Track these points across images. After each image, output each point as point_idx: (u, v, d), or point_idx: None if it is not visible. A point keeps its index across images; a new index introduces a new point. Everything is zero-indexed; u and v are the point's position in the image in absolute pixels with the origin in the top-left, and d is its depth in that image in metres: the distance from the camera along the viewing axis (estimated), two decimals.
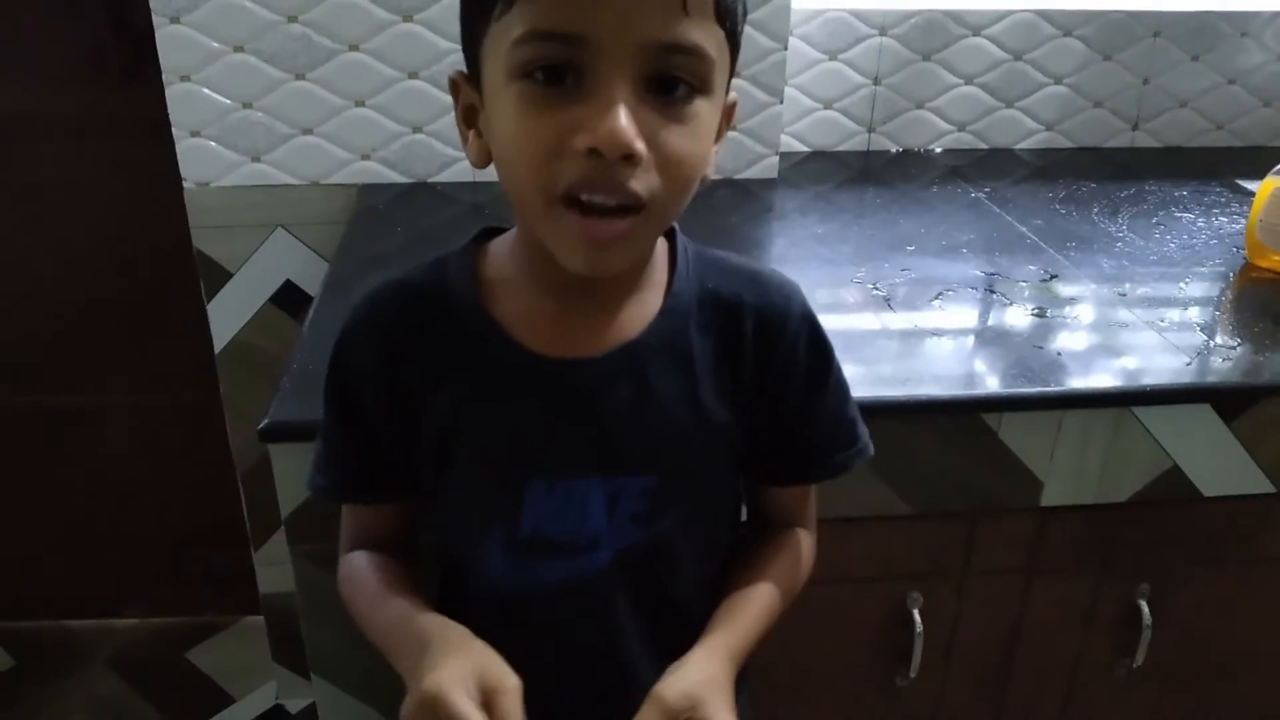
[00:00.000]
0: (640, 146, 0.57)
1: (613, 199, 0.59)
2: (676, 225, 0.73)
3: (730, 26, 0.61)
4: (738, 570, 0.77)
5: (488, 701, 0.60)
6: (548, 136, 0.58)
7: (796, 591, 0.79)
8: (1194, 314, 1.14)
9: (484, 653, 0.63)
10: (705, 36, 0.58)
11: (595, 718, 0.76)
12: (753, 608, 0.74)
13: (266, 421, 0.89)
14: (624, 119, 0.56)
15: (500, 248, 0.72)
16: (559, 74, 0.57)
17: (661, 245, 0.72)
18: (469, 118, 0.66)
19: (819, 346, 0.74)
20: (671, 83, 0.58)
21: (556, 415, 0.69)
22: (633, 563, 0.72)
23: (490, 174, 1.54)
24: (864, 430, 0.79)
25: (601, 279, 0.65)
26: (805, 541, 0.81)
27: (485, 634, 0.72)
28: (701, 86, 0.60)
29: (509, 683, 0.61)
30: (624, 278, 0.69)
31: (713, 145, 0.64)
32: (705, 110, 0.61)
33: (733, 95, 0.67)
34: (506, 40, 0.58)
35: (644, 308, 0.70)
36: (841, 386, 0.77)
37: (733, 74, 0.65)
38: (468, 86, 0.65)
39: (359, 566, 0.77)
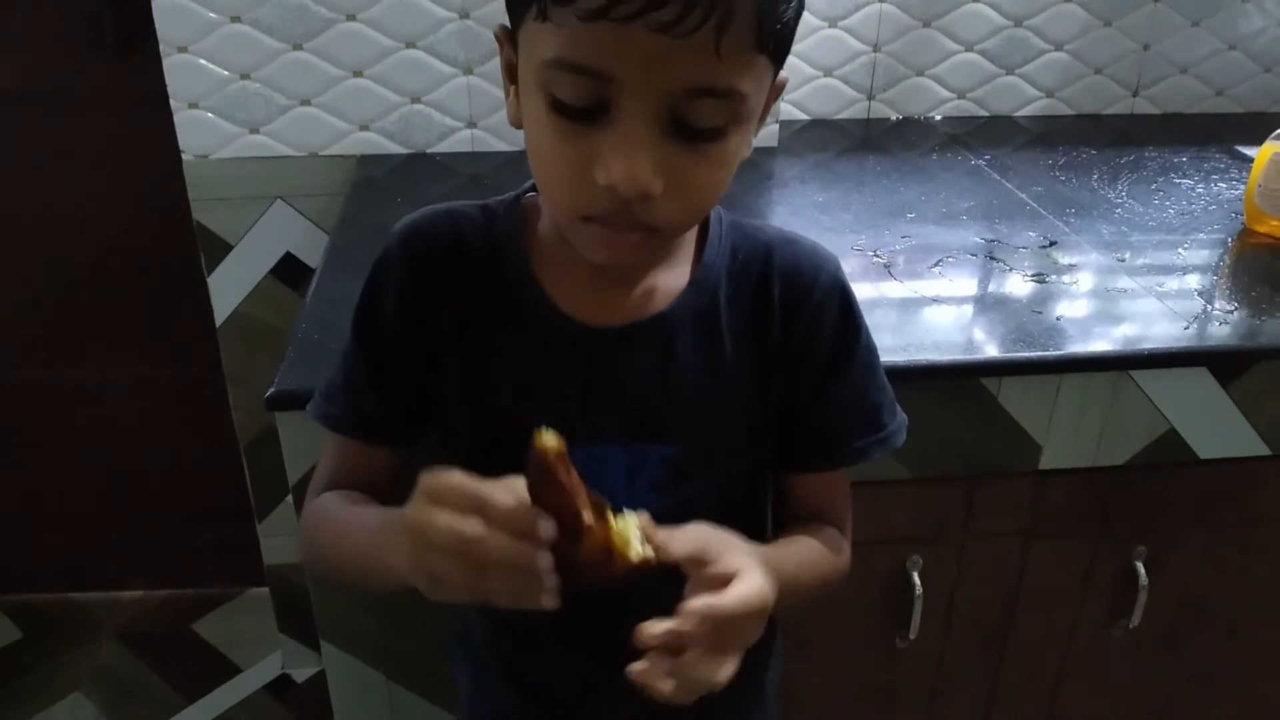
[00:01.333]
0: (657, 188, 0.57)
1: (629, 229, 0.60)
2: None
3: (775, 47, 0.59)
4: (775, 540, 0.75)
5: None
6: (571, 164, 0.58)
7: (829, 580, 0.76)
8: (1192, 279, 1.15)
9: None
10: (739, 74, 0.57)
11: (606, 680, 0.77)
12: (792, 552, 0.72)
13: (273, 390, 0.89)
14: (641, 160, 0.56)
15: (545, 207, 0.72)
16: (584, 104, 0.57)
17: None
18: (511, 73, 0.65)
19: (848, 319, 0.73)
20: (699, 124, 0.58)
21: (582, 379, 0.70)
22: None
23: (489, 144, 1.54)
24: (891, 419, 0.76)
25: None
26: (843, 544, 0.79)
27: None
28: (731, 123, 0.59)
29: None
30: None
31: (736, 166, 0.63)
32: (734, 138, 0.60)
33: (782, 76, 0.65)
34: (538, 53, 0.58)
35: (675, 279, 0.71)
36: (869, 367, 0.75)
37: (780, 69, 0.63)
38: (509, 45, 0.64)
39: (329, 503, 0.73)
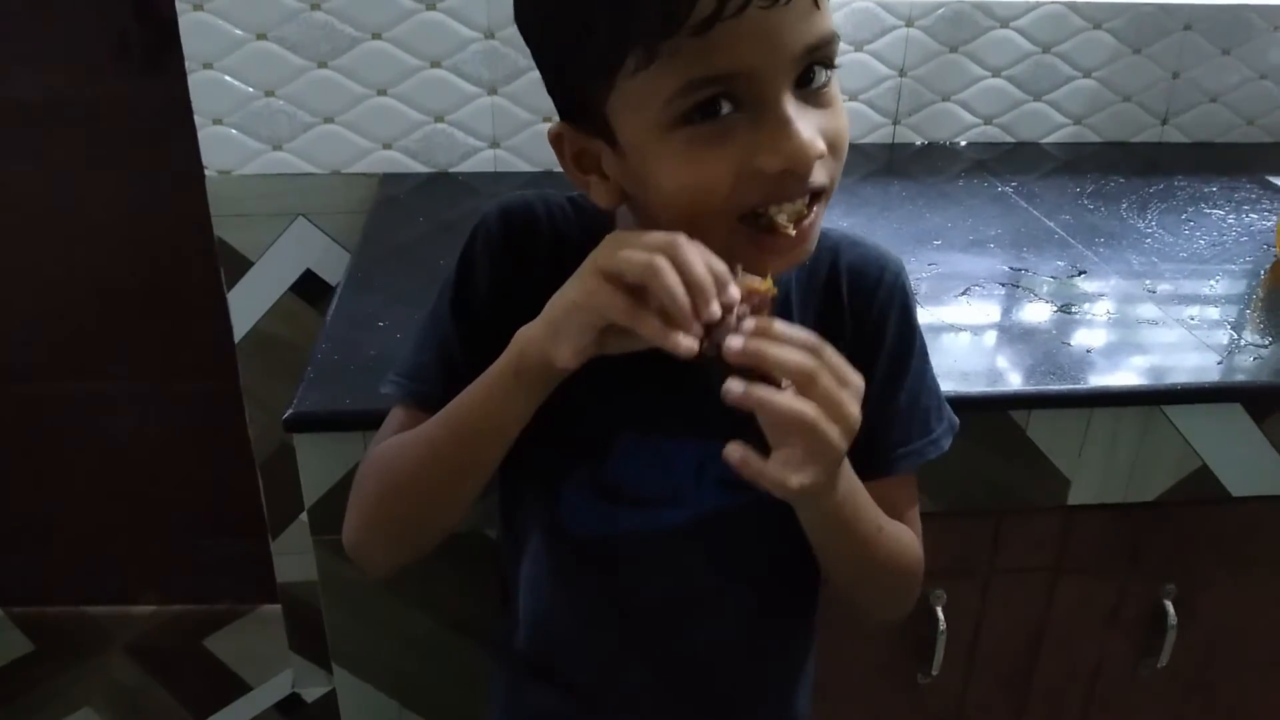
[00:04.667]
0: (823, 147, 0.58)
1: (806, 197, 0.60)
2: None
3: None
4: None
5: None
6: (731, 169, 0.58)
7: (899, 553, 0.72)
8: (1224, 312, 1.13)
9: None
10: (828, 18, 0.59)
11: (650, 684, 0.77)
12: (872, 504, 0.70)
13: (291, 412, 0.88)
14: (807, 133, 0.57)
15: (624, 209, 0.71)
16: (715, 107, 0.57)
17: None
18: (583, 163, 0.65)
19: (907, 320, 0.74)
20: (814, 72, 0.59)
21: (656, 376, 0.68)
22: (715, 526, 0.72)
23: (512, 165, 1.54)
24: (941, 423, 0.75)
25: None
26: (915, 540, 0.76)
27: (551, 573, 0.74)
28: (832, 64, 0.61)
29: None
30: None
31: None
32: (836, 84, 0.62)
33: None
34: (657, 96, 0.57)
35: None
36: (920, 372, 0.75)
37: None
38: (574, 134, 0.64)
39: (392, 439, 0.71)
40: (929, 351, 0.77)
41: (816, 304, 0.72)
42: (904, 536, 0.74)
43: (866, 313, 0.72)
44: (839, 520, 0.66)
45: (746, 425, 0.70)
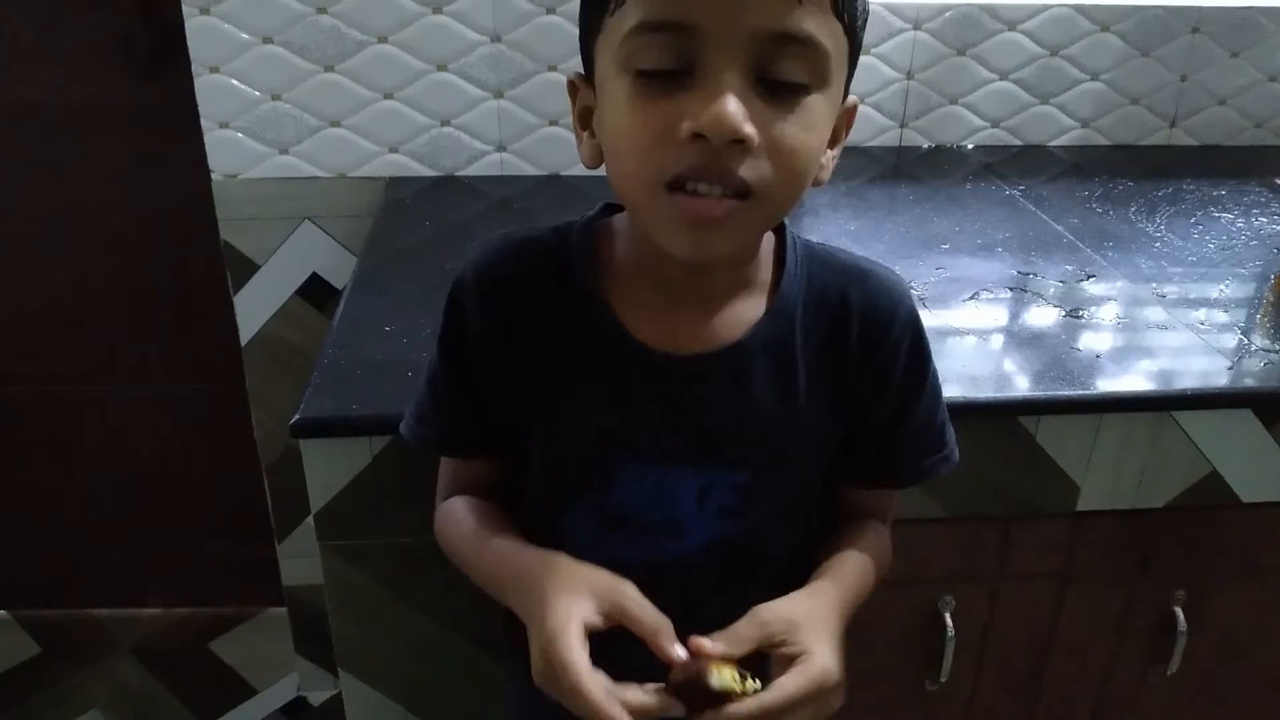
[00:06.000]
0: (749, 130, 0.57)
1: (720, 187, 0.58)
2: (787, 221, 0.72)
3: (849, 21, 0.60)
4: (828, 547, 0.76)
5: (611, 614, 0.62)
6: (656, 125, 0.58)
7: (880, 578, 0.78)
8: (1233, 316, 1.12)
9: (588, 575, 0.64)
10: (819, 27, 0.58)
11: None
12: (853, 570, 0.73)
13: (297, 417, 0.88)
14: (731, 104, 0.56)
15: (620, 230, 0.72)
16: (669, 65, 0.57)
17: (770, 242, 0.72)
18: (584, 119, 0.67)
19: (920, 351, 0.74)
20: (782, 71, 0.58)
21: (656, 406, 0.69)
22: (718, 554, 0.72)
23: (519, 168, 1.54)
24: (952, 435, 0.78)
25: (709, 274, 0.67)
26: (886, 534, 0.80)
27: None
28: (815, 79, 0.59)
29: (624, 589, 0.63)
30: (731, 275, 0.69)
31: (826, 140, 0.63)
32: (819, 104, 0.60)
33: (853, 99, 0.66)
34: (619, 34, 0.58)
35: (750, 308, 0.70)
36: (935, 391, 0.76)
37: (852, 75, 0.64)
38: (585, 88, 0.66)
39: (456, 511, 0.77)
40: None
41: (822, 332, 0.71)
42: (878, 572, 0.77)
43: (877, 350, 0.72)
44: None
45: (744, 456, 0.70)
